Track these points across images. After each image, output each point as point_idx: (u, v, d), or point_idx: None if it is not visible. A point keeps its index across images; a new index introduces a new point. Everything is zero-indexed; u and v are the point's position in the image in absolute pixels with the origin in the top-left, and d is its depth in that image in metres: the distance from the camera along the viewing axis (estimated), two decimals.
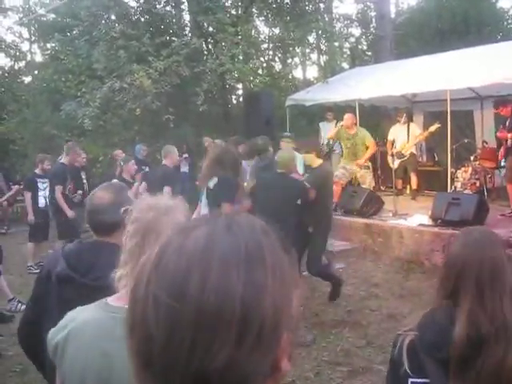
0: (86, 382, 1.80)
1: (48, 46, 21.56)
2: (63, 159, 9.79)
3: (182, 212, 2.08)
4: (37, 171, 10.24)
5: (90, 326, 1.84)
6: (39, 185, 10.07)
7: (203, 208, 6.39)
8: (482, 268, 1.98)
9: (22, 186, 12.12)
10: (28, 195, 10.05)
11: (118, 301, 1.86)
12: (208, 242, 0.81)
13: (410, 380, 1.99)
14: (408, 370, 1.98)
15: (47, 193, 9.89)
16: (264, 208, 6.29)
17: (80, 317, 1.88)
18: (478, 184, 11.36)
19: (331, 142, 12.31)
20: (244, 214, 0.92)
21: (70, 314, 1.92)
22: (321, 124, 13.87)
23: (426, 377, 1.95)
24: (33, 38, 24.83)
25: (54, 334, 1.89)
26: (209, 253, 0.80)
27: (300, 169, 8.16)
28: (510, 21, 26.35)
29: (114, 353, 1.71)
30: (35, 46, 25.26)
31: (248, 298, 0.77)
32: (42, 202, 10.06)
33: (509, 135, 9.20)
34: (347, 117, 11.19)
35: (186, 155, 13.12)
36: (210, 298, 0.76)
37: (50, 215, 9.98)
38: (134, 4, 16.52)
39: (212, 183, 6.10)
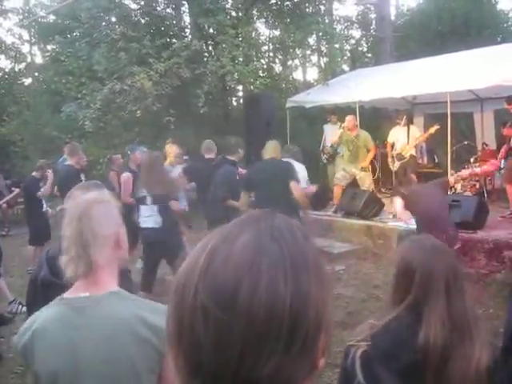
0: (59, 374, 1.89)
1: (48, 47, 21.61)
2: (69, 161, 9.74)
3: (114, 204, 2.15)
4: (35, 174, 10.18)
5: (52, 322, 1.93)
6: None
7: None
8: (448, 274, 2.02)
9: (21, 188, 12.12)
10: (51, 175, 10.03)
11: (72, 293, 1.98)
12: (254, 251, 0.81)
13: None
14: (362, 381, 1.97)
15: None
16: (261, 193, 6.96)
17: (42, 316, 1.98)
18: (477, 186, 11.38)
19: (335, 146, 12.32)
20: (281, 215, 0.92)
21: (32, 316, 2.03)
22: (325, 126, 13.87)
23: None
24: (33, 40, 24.79)
25: (20, 338, 1.98)
26: (256, 263, 0.80)
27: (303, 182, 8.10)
28: (510, 23, 26.37)
29: (78, 341, 1.86)
30: (35, 47, 25.26)
31: (295, 307, 0.78)
32: (45, 205, 10.03)
33: None
34: (349, 119, 11.25)
35: (186, 157, 13.11)
36: (260, 310, 0.77)
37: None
38: (134, 6, 16.57)
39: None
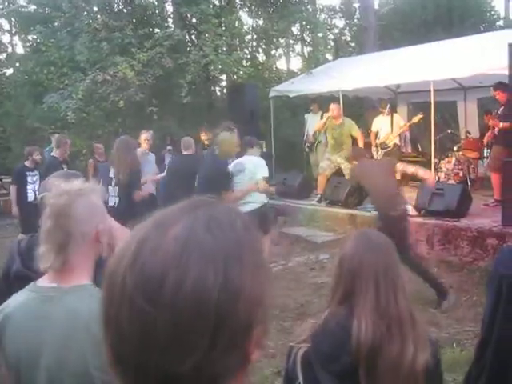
0: (22, 358, 1.91)
1: (29, 37, 21.36)
2: (54, 152, 9.64)
3: (97, 195, 2.11)
4: (27, 164, 10.00)
5: (20, 308, 1.96)
6: (28, 178, 9.78)
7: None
8: (378, 269, 1.99)
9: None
10: (13, 189, 9.79)
11: (43, 281, 2.00)
12: (185, 241, 0.79)
13: None
14: None
15: (37, 186, 9.70)
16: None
17: (13, 302, 2.00)
18: (461, 174, 11.41)
19: (317, 134, 12.31)
20: (225, 204, 0.89)
21: (6, 302, 2.04)
22: (306, 116, 13.85)
23: None
24: (14, 30, 24.52)
25: None
26: (185, 255, 0.77)
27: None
28: (492, 12, 26.46)
29: (40, 330, 1.88)
30: (16, 37, 24.97)
31: (223, 302, 0.76)
32: (30, 196, 9.76)
33: (500, 124, 9.22)
34: (333, 107, 11.20)
35: (169, 147, 13.05)
36: (185, 304, 0.75)
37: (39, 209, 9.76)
38: None
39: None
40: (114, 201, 7.16)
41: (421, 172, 7.24)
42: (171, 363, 0.75)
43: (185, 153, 8.93)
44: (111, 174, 7.23)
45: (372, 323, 1.90)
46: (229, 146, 7.47)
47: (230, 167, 7.52)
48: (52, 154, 9.68)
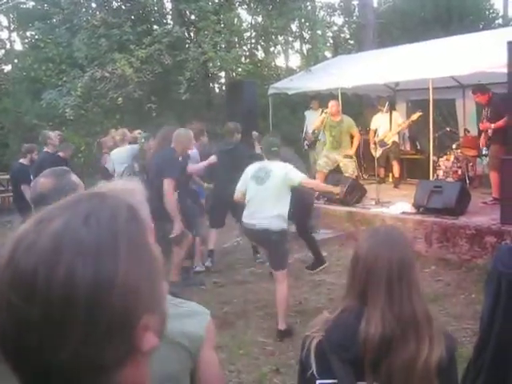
0: None
1: (28, 34, 21.32)
2: (46, 148, 9.62)
3: (141, 194, 2.09)
4: (23, 161, 9.93)
5: None
6: (31, 176, 9.68)
7: None
8: (392, 266, 1.98)
9: None
10: (25, 187, 9.06)
11: None
12: (59, 236, 0.79)
13: (318, 382, 1.99)
14: (315, 373, 1.99)
15: None
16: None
17: None
18: (459, 172, 11.42)
19: (316, 132, 12.30)
20: (112, 197, 0.90)
21: None
22: (306, 113, 13.85)
23: (334, 377, 1.95)
24: (12, 26, 24.52)
25: None
26: (57, 249, 0.78)
27: None
28: (491, 10, 26.45)
29: None
30: (14, 34, 24.95)
31: (93, 295, 0.77)
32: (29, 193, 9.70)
33: (492, 125, 9.24)
34: (332, 104, 11.16)
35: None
36: (55, 299, 0.76)
37: None
38: None
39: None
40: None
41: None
42: (48, 355, 0.77)
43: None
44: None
45: (382, 319, 1.90)
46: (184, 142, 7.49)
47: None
48: (45, 149, 9.65)
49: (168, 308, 1.88)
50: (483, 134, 10.08)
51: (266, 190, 6.16)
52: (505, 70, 8.17)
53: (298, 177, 6.30)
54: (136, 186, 2.14)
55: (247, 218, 6.30)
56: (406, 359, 1.87)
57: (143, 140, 9.58)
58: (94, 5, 15.92)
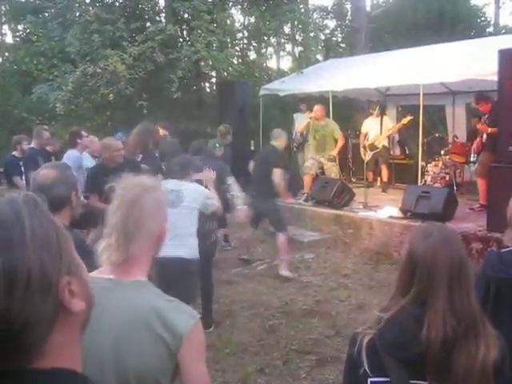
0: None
1: (19, 27, 21.19)
2: (33, 143, 9.57)
3: (162, 192, 2.12)
4: (15, 153, 9.85)
5: None
6: (22, 168, 9.59)
7: None
8: (453, 265, 1.97)
9: None
10: (17, 179, 9.24)
11: (100, 273, 1.95)
12: None
13: (370, 380, 1.98)
14: (368, 370, 1.97)
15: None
16: None
17: None
18: (447, 178, 11.50)
19: (304, 134, 12.35)
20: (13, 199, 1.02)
21: None
22: (295, 115, 13.88)
23: (386, 376, 1.94)
24: (3, 19, 24.33)
25: None
26: None
27: None
28: (483, 18, 26.64)
29: (99, 319, 1.72)
30: (6, 27, 24.77)
31: (7, 259, 0.91)
32: (22, 185, 9.59)
33: (489, 129, 9.30)
34: (317, 108, 11.26)
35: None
36: None
37: None
38: None
39: None
40: None
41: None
42: None
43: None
44: None
45: (444, 321, 1.89)
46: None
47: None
48: (31, 145, 9.59)
49: (160, 302, 1.89)
50: (477, 140, 10.14)
51: None
52: (495, 78, 8.23)
53: None
54: (160, 184, 2.19)
55: None
56: (466, 359, 1.87)
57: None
58: (87, 0, 15.87)
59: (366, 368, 1.97)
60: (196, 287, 5.76)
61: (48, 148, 9.82)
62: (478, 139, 10.15)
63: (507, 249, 2.91)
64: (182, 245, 5.18)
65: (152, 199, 2.01)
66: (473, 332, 1.92)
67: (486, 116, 9.73)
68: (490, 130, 9.27)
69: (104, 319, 1.82)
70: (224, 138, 9.37)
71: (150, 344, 1.85)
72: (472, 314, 1.94)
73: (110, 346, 1.85)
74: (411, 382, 1.92)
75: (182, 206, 5.38)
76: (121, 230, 1.94)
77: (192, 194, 5.50)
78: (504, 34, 21.79)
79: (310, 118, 11.34)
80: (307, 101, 13.50)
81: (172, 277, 5.02)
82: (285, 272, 8.11)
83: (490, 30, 25.81)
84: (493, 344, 1.93)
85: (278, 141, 8.80)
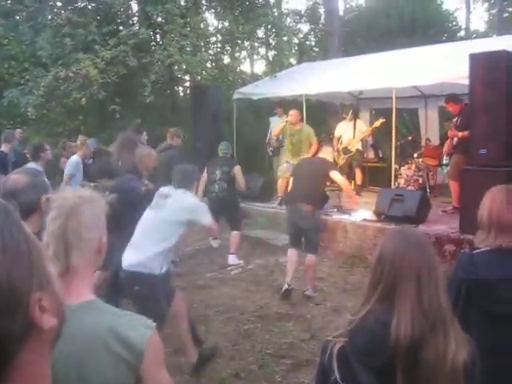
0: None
1: None
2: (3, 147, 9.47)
3: (101, 204, 2.09)
4: None
5: None
6: None
7: None
8: (421, 266, 1.98)
9: None
10: None
11: None
12: None
13: None
14: (338, 379, 1.95)
15: None
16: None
17: None
18: (420, 181, 11.58)
19: (280, 137, 12.35)
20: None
21: None
22: (270, 119, 13.87)
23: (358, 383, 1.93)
24: None
25: None
26: None
27: None
28: (454, 23, 26.96)
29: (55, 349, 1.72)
30: None
31: None
32: None
33: (459, 134, 9.39)
34: (292, 113, 11.25)
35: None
36: None
37: None
38: None
39: None
40: None
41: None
42: None
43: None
44: None
45: (412, 321, 1.89)
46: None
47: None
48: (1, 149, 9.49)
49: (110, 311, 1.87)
50: (448, 141, 10.23)
51: None
52: (466, 82, 8.31)
53: None
54: (99, 197, 2.16)
55: None
56: (435, 357, 1.87)
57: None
58: (59, 3, 15.72)
59: (337, 376, 1.96)
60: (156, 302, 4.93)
61: (26, 151, 9.73)
62: (448, 141, 10.25)
63: (478, 250, 2.93)
64: (136, 253, 4.95)
65: (90, 211, 1.98)
66: (442, 330, 1.92)
67: (456, 119, 9.84)
68: (460, 134, 9.36)
69: (60, 350, 1.79)
70: (171, 139, 9.65)
71: (110, 365, 1.83)
72: (441, 313, 1.95)
73: (71, 376, 1.81)
74: None
75: (160, 214, 5.14)
76: (59, 239, 1.90)
77: (174, 205, 5.19)
78: (475, 38, 22.08)
79: (286, 122, 11.35)
80: (283, 104, 13.52)
81: (127, 288, 4.98)
82: (309, 293, 7.62)
83: (462, 34, 26.15)
84: (463, 344, 1.93)
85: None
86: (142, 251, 4.94)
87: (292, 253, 7.72)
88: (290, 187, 7.86)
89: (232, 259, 9.09)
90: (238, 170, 9.60)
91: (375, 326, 1.96)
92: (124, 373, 1.84)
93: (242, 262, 9.12)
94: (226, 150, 9.96)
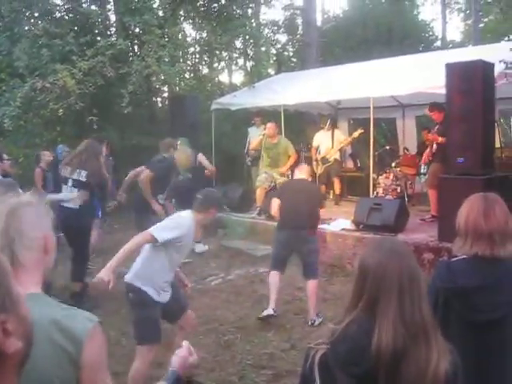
0: None
1: None
2: None
3: (41, 206, 2.10)
4: None
5: None
6: None
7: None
8: (402, 276, 1.98)
9: None
10: None
11: None
12: None
13: None
14: None
15: None
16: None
17: None
18: (398, 190, 11.64)
19: (257, 150, 12.34)
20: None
21: None
22: (249, 129, 13.86)
23: None
24: None
25: None
26: None
27: None
28: (431, 33, 27.22)
29: None
30: None
31: None
32: None
33: (439, 139, 9.45)
34: (269, 126, 11.26)
35: (110, 158, 12.87)
36: None
37: None
38: (58, 1, 16.12)
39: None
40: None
41: None
42: None
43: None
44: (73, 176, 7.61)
45: (394, 331, 1.89)
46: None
47: None
48: None
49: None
50: (427, 150, 10.29)
51: None
52: (443, 91, 8.39)
53: None
54: (42, 203, 2.17)
55: None
56: (417, 367, 1.87)
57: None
58: (36, 14, 15.63)
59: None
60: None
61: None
62: (427, 150, 10.32)
63: (456, 258, 2.95)
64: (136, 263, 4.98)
65: (30, 210, 2.00)
66: (424, 341, 1.92)
67: (437, 127, 9.91)
68: (440, 139, 9.43)
69: None
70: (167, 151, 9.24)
71: (53, 358, 1.82)
72: (423, 324, 1.94)
73: None
74: None
75: None
76: (3, 236, 1.91)
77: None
78: (451, 48, 22.34)
79: (263, 136, 11.36)
80: (261, 115, 13.53)
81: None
82: (316, 319, 7.05)
83: (438, 44, 26.41)
84: (445, 355, 1.93)
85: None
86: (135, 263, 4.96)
87: (276, 276, 7.35)
88: (280, 210, 7.42)
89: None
90: (201, 156, 10.64)
91: (357, 334, 1.95)
92: (65, 365, 1.83)
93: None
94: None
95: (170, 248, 4.87)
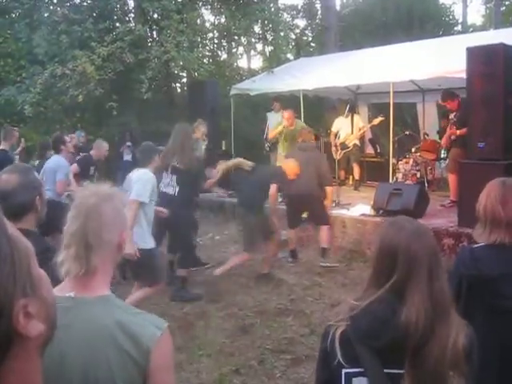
0: (46, 369, 1.80)
1: None
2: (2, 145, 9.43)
3: (121, 199, 2.07)
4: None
5: None
6: None
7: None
8: (430, 255, 2.01)
9: None
10: None
11: (59, 291, 1.83)
12: None
13: (344, 371, 1.98)
14: (342, 361, 1.96)
15: None
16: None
17: None
18: (418, 175, 11.58)
19: (272, 140, 12.28)
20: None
21: None
22: (268, 114, 13.82)
23: (360, 366, 1.94)
24: None
25: None
26: None
27: None
28: (451, 17, 26.92)
29: (62, 341, 1.67)
30: None
31: None
32: None
33: (457, 132, 9.38)
34: (288, 116, 11.02)
35: (128, 143, 12.92)
36: None
37: None
38: None
39: None
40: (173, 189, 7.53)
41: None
42: None
43: None
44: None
45: (424, 308, 1.92)
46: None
47: None
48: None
49: (122, 313, 1.86)
50: (446, 134, 10.21)
51: None
52: (463, 76, 8.29)
53: None
54: (119, 191, 2.15)
55: None
56: (440, 342, 1.90)
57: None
58: (55, 0, 15.69)
59: (340, 359, 1.97)
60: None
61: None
62: (445, 137, 10.22)
63: (479, 244, 2.92)
64: None
65: (109, 208, 1.96)
66: (445, 318, 1.95)
67: (454, 114, 9.81)
68: (458, 132, 9.36)
69: (69, 341, 1.78)
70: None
71: (117, 361, 1.80)
72: (446, 301, 1.98)
73: (79, 367, 1.80)
74: (385, 371, 1.93)
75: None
76: (80, 240, 1.88)
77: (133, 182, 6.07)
78: (472, 32, 22.08)
79: (284, 127, 11.22)
80: (280, 100, 13.48)
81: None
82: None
83: (458, 28, 26.14)
84: (462, 329, 1.96)
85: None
86: None
87: (293, 233, 8.91)
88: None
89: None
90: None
91: (381, 308, 1.98)
92: (131, 371, 1.81)
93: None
94: None
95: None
